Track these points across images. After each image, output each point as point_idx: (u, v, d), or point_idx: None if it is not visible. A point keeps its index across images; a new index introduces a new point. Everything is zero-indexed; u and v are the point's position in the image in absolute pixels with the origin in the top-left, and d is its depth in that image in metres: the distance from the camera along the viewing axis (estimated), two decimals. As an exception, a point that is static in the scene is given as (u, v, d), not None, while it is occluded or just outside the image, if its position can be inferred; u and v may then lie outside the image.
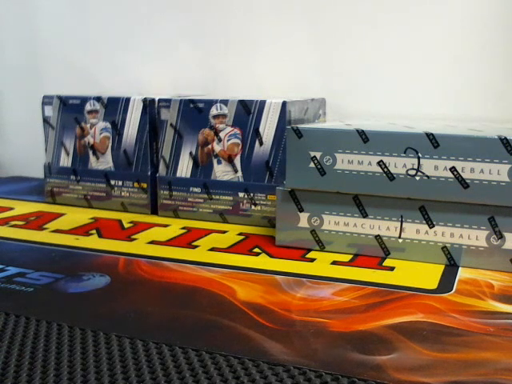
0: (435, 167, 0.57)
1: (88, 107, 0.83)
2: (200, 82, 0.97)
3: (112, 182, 0.83)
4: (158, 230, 0.73)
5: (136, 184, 0.82)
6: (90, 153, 0.84)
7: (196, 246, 0.65)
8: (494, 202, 0.56)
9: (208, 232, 0.71)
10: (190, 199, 0.78)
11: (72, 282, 0.54)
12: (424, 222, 0.59)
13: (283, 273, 0.56)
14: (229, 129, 0.75)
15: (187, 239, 0.68)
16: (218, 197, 0.76)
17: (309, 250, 0.63)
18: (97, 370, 0.37)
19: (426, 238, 0.59)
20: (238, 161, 0.75)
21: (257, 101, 0.73)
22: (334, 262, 0.60)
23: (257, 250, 0.64)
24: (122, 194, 0.83)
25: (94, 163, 0.84)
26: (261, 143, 0.73)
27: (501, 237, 0.56)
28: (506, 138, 0.54)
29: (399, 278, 0.55)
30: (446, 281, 0.54)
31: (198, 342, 0.41)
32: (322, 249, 0.63)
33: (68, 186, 0.86)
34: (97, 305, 0.49)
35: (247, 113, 0.73)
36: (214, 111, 0.75)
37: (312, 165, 0.61)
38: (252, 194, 0.74)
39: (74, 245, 0.65)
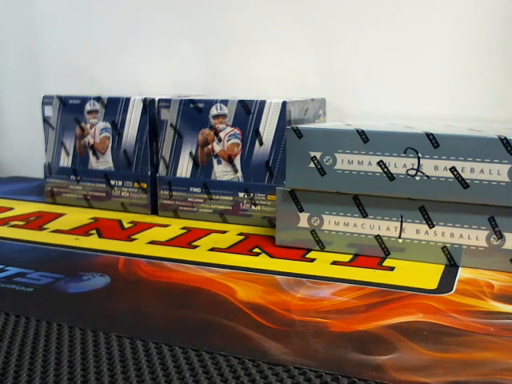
0: (435, 167, 0.57)
1: (88, 107, 0.83)
2: (200, 82, 0.97)
3: (112, 182, 0.83)
4: (158, 230, 0.73)
5: (136, 184, 0.82)
6: (90, 153, 0.84)
7: (196, 246, 0.65)
8: (493, 202, 0.56)
9: (208, 232, 0.71)
10: (190, 199, 0.78)
11: (72, 282, 0.54)
12: (424, 222, 0.59)
13: (283, 273, 0.56)
14: (229, 129, 0.75)
15: (187, 239, 0.68)
16: (217, 197, 0.76)
17: (309, 250, 0.63)
18: (97, 370, 0.37)
19: (426, 238, 0.59)
20: (238, 161, 0.75)
21: (257, 101, 0.73)
22: (334, 262, 0.60)
23: (257, 250, 0.64)
24: (122, 194, 0.83)
25: (94, 163, 0.84)
26: (261, 143, 0.73)
27: (501, 237, 0.56)
28: (506, 138, 0.54)
29: (399, 278, 0.55)
30: (446, 281, 0.54)
31: (198, 342, 0.41)
32: (322, 249, 0.63)
33: (68, 186, 0.86)
34: (97, 305, 0.49)
35: (247, 113, 0.73)
36: (213, 111, 0.75)
37: (312, 165, 0.61)
38: (252, 194, 0.74)
39: (74, 245, 0.65)
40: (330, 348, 0.41)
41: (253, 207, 0.75)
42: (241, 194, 0.75)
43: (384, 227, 0.60)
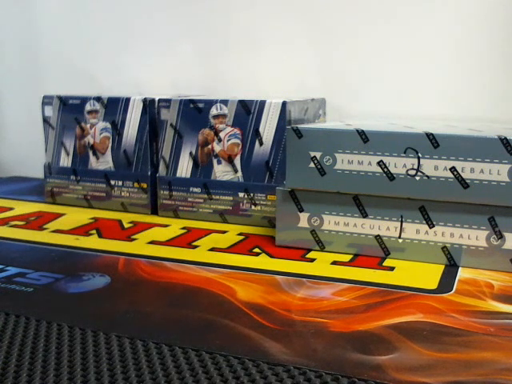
0: (435, 167, 0.57)
1: (88, 107, 0.83)
2: (200, 82, 0.97)
3: (112, 182, 0.83)
4: (158, 230, 0.73)
5: (136, 184, 0.82)
6: (90, 153, 0.84)
7: (196, 246, 0.65)
8: (493, 202, 0.56)
9: (208, 232, 0.71)
10: (190, 199, 0.78)
11: (72, 282, 0.54)
12: (424, 222, 0.59)
13: (283, 273, 0.56)
14: (229, 129, 0.75)
15: (187, 239, 0.68)
16: (217, 197, 0.76)
17: (309, 250, 0.63)
18: (97, 370, 0.37)
19: (426, 238, 0.59)
20: (238, 161, 0.75)
21: (257, 101, 0.73)
22: (334, 262, 0.60)
23: (257, 250, 0.64)
24: (122, 194, 0.83)
25: (94, 163, 0.84)
26: (261, 143, 0.73)
27: (501, 237, 0.56)
28: (506, 138, 0.54)
29: (399, 278, 0.55)
30: (446, 281, 0.54)
31: (198, 342, 0.41)
32: (322, 249, 0.63)
33: (68, 186, 0.86)
34: (97, 305, 0.49)
35: (247, 113, 0.73)
36: (213, 111, 0.75)
37: (312, 165, 0.61)
38: (252, 194, 0.74)
39: (74, 245, 0.65)
40: (330, 348, 0.41)
41: (253, 207, 0.75)
42: (241, 194, 0.75)
43: (384, 227, 0.60)
